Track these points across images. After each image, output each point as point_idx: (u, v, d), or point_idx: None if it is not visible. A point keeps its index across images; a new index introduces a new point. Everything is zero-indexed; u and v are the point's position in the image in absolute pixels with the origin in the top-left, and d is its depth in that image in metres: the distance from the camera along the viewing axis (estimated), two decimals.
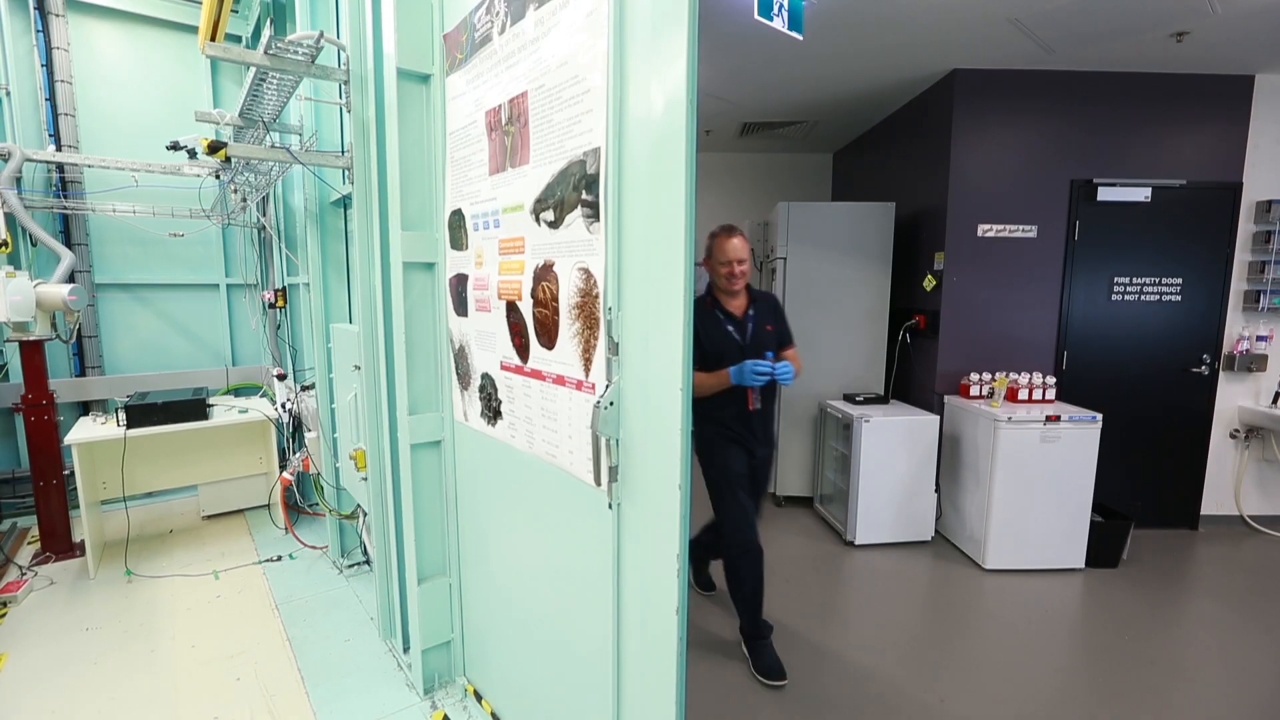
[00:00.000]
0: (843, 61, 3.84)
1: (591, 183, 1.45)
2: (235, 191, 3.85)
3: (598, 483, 1.49)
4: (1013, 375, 3.86)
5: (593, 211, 1.45)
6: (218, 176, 4.33)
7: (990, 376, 3.96)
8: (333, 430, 3.39)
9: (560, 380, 1.61)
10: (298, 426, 3.95)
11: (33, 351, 3.63)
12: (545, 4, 1.56)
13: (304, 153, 2.52)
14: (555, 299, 1.60)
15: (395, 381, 2.30)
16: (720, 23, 3.33)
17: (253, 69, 2.55)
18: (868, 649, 2.88)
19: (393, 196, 2.20)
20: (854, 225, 4.33)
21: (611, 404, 1.42)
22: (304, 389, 3.84)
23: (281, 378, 4.05)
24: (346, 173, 2.64)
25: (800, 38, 2.16)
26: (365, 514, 3.16)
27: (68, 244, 4.27)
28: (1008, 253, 4.04)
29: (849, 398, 4.23)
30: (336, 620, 3.04)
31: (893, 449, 3.82)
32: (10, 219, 3.94)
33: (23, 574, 3.51)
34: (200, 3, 4.48)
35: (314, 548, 3.77)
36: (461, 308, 2.07)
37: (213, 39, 3.99)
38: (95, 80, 4.44)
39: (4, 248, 3.98)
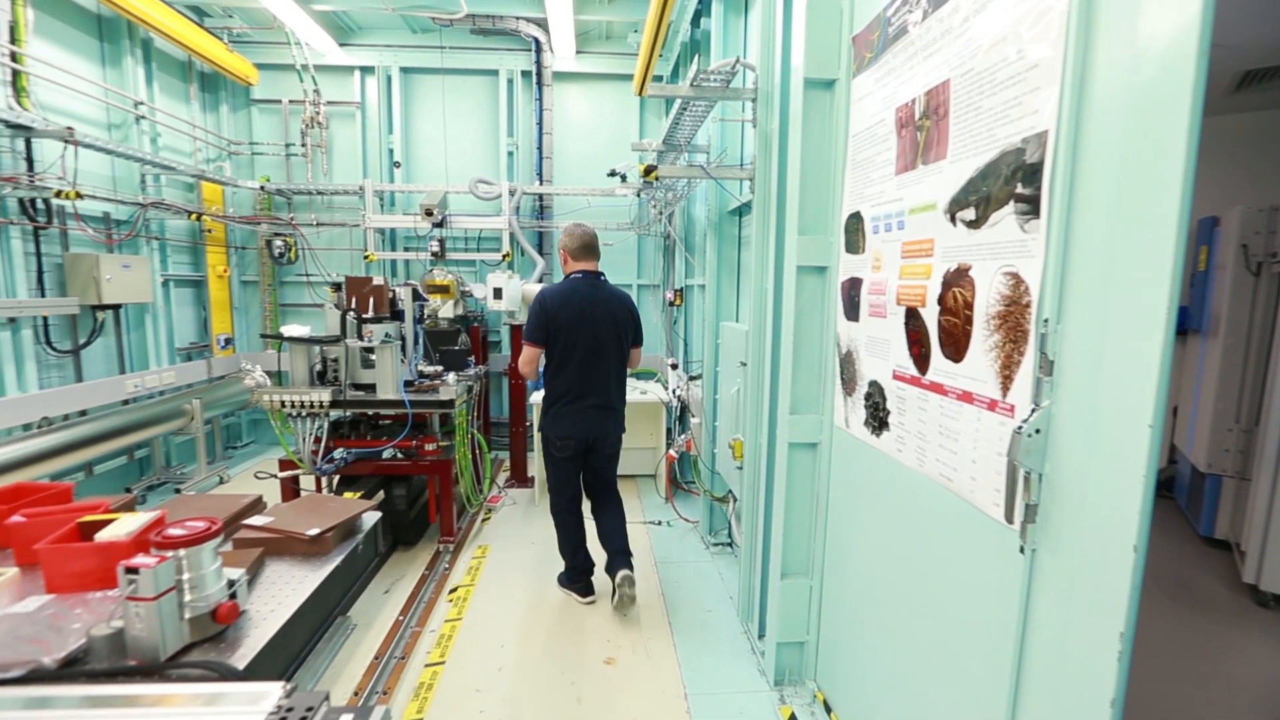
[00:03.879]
0: None
1: (1031, 173, 1.25)
2: (654, 206, 4.56)
3: (1008, 520, 1.28)
4: None
5: (1030, 207, 1.25)
6: (639, 195, 5.21)
7: None
8: (714, 418, 3.75)
9: (967, 397, 1.44)
10: (684, 411, 4.51)
11: (517, 332, 4.97)
12: None
13: (713, 168, 2.82)
14: (969, 307, 1.43)
15: (779, 380, 2.41)
16: None
17: (677, 101, 2.97)
18: None
19: (790, 203, 2.30)
20: None
21: (1037, 431, 1.20)
22: (692, 379, 4.36)
23: (674, 367, 4.68)
24: (747, 183, 2.87)
25: None
26: (736, 500, 3.41)
27: (540, 253, 5.70)
28: None
29: None
30: (701, 590, 3.37)
31: None
32: (512, 237, 5.47)
33: (499, 491, 4.86)
34: (631, 55, 5.45)
35: (687, 520, 4.25)
36: (852, 312, 2.04)
37: (643, 82, 4.78)
38: (564, 129, 5.82)
39: (506, 257, 5.56)
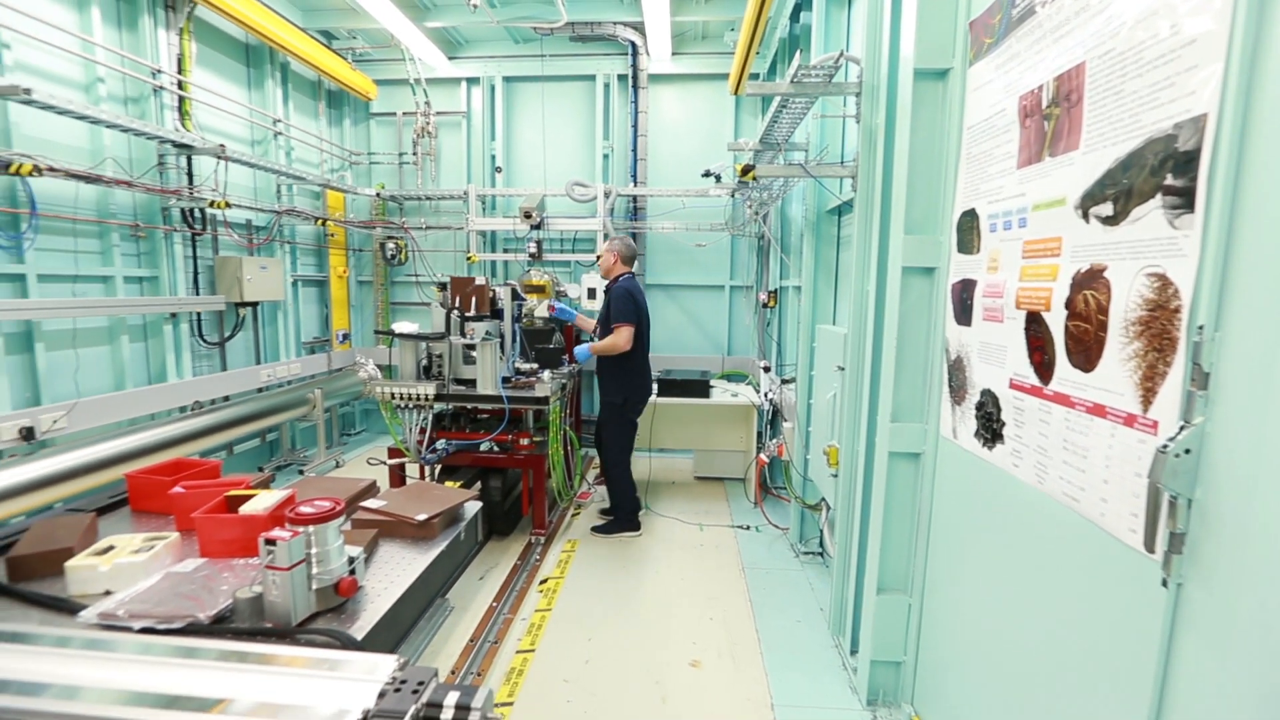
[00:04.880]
0: None
1: (1184, 162, 1.12)
2: (749, 206, 4.50)
3: (1148, 549, 1.16)
4: None
5: (1182, 200, 1.12)
6: (733, 195, 5.16)
7: None
8: (807, 423, 3.65)
9: (1098, 410, 1.31)
10: (775, 415, 4.41)
11: None
12: None
13: (813, 166, 2.74)
14: (1103, 311, 1.30)
15: (879, 387, 2.30)
16: None
17: (775, 99, 2.91)
18: None
19: (896, 201, 2.19)
20: None
21: (1187, 452, 1.08)
22: (784, 382, 4.26)
23: (766, 370, 4.59)
24: (849, 181, 2.76)
25: None
26: (829, 509, 3.30)
27: None
28: None
29: None
30: (790, 599, 3.28)
31: None
32: (606, 238, 5.56)
33: (589, 488, 4.96)
34: (726, 54, 5.40)
35: (776, 527, 4.15)
36: (964, 316, 1.92)
37: (739, 80, 4.72)
38: (659, 131, 5.85)
39: (600, 259, 5.66)
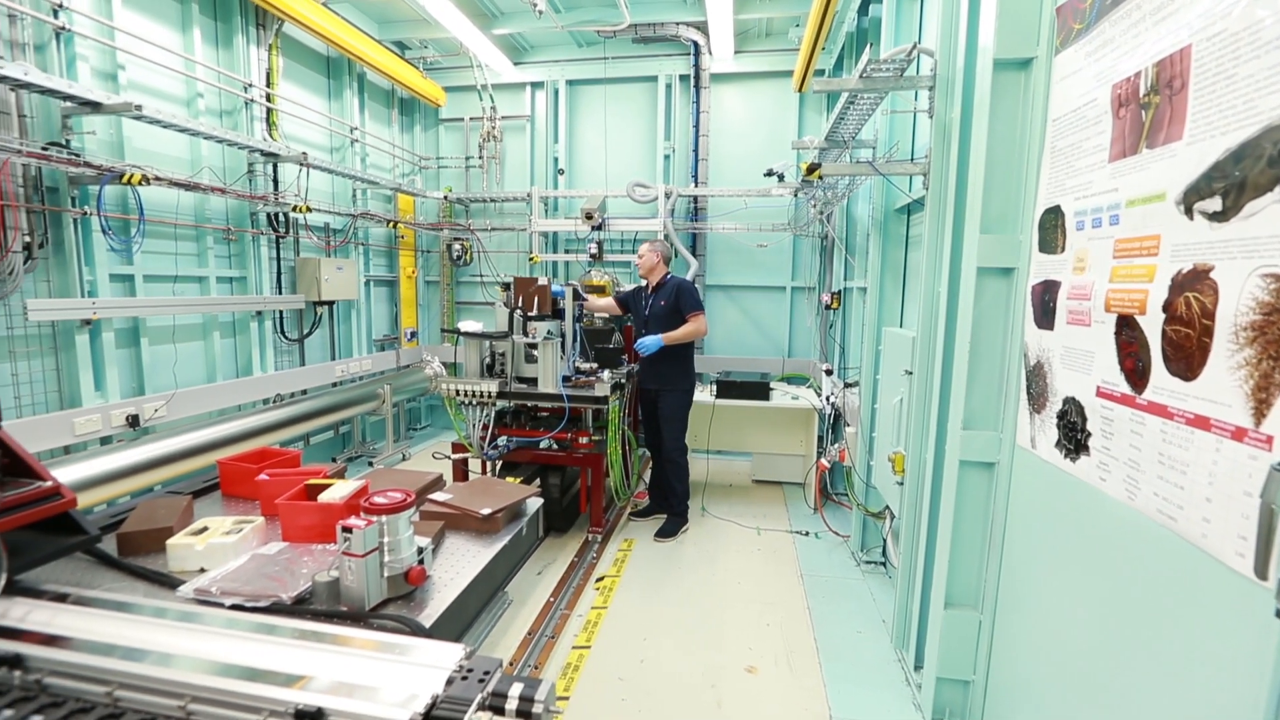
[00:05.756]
0: None
1: None
2: (813, 206, 4.40)
3: (1260, 575, 1.06)
4: None
5: None
6: (796, 195, 5.06)
7: None
8: (871, 429, 3.54)
9: (1201, 423, 1.21)
10: (837, 419, 4.30)
11: None
12: None
13: (881, 163, 2.65)
14: (1208, 315, 1.20)
15: (950, 392, 2.21)
16: None
17: (843, 95, 2.83)
18: None
19: (972, 198, 2.10)
20: None
21: None
22: (847, 385, 4.14)
23: (829, 373, 4.48)
24: (920, 179, 2.66)
25: None
26: (893, 517, 3.18)
27: (693, 254, 5.75)
28: None
29: None
30: (850, 609, 3.19)
31: None
32: (666, 239, 5.56)
33: (646, 488, 4.97)
34: (790, 50, 5.29)
35: (837, 534, 4.05)
36: (1045, 319, 1.81)
37: (804, 77, 4.62)
38: (720, 130, 5.81)
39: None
